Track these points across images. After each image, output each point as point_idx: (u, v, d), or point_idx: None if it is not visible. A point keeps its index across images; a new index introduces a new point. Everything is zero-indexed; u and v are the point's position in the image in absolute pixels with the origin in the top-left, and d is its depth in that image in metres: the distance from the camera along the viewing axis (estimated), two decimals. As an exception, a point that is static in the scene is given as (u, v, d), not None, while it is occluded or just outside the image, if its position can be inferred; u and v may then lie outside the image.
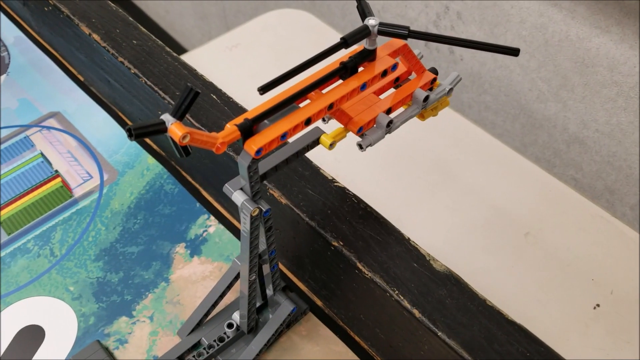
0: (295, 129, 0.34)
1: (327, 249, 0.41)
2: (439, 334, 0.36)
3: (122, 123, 0.61)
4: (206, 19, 1.42)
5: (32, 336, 0.46)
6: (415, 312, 0.37)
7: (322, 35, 0.83)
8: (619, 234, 0.61)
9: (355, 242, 0.40)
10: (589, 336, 0.54)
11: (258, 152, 0.33)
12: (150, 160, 0.58)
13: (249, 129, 0.33)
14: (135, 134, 0.29)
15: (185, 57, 0.81)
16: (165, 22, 1.62)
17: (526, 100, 0.90)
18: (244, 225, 0.37)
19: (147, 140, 0.59)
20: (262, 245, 0.39)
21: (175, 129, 0.30)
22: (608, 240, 0.61)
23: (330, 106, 0.35)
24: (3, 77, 0.66)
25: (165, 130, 0.31)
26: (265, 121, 0.34)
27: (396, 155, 0.68)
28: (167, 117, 0.31)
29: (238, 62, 0.79)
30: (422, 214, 0.62)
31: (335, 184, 0.43)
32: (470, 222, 0.62)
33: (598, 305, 0.56)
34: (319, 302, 0.48)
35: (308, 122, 0.35)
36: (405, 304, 0.37)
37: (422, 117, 0.43)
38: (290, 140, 0.36)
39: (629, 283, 0.57)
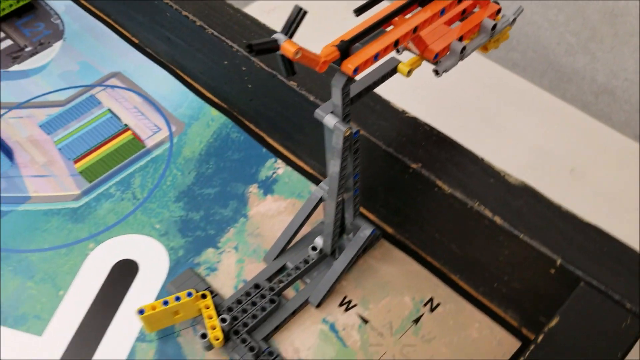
0: (385, 50, 0.37)
1: (404, 172, 0.44)
2: (521, 236, 0.39)
3: (181, 80, 0.64)
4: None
5: (127, 269, 0.50)
6: (497, 219, 0.40)
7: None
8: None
9: (433, 164, 0.44)
10: None
11: (355, 70, 0.36)
12: (214, 112, 0.61)
13: (346, 50, 0.36)
14: (256, 50, 0.33)
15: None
16: None
17: (554, 55, 0.92)
18: (336, 147, 0.40)
19: (208, 93, 0.62)
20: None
21: (288, 46, 0.33)
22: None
23: (414, 30, 0.38)
24: (60, 42, 0.69)
25: (277, 48, 0.34)
26: (357, 44, 0.37)
27: (439, 107, 0.71)
28: (279, 36, 0.34)
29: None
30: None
31: (407, 114, 0.47)
32: (516, 163, 0.65)
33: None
34: (389, 230, 0.51)
35: (396, 43, 0.38)
36: (487, 213, 0.40)
37: (485, 49, 0.46)
38: (369, 70, 0.39)
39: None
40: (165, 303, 0.44)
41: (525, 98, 0.75)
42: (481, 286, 0.46)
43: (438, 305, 0.47)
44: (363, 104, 0.48)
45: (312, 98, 0.48)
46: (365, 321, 0.47)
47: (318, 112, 0.40)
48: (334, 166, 0.41)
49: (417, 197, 0.45)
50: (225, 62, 0.55)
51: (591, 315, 0.36)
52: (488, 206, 0.41)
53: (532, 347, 0.35)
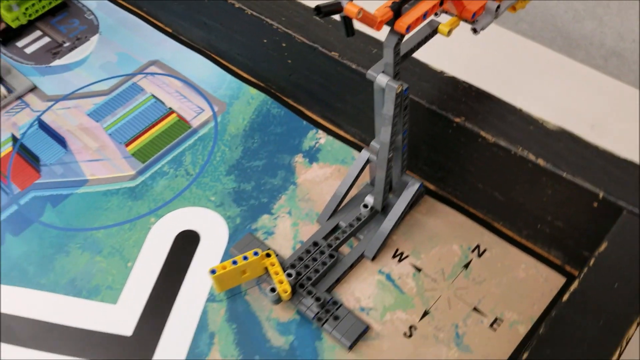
0: (433, 9, 0.41)
1: (448, 127, 0.48)
2: (564, 175, 0.43)
3: (218, 63, 0.67)
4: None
5: (189, 239, 0.53)
6: (540, 161, 0.43)
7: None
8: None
9: (475, 117, 0.47)
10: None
11: (407, 28, 0.40)
12: (252, 90, 0.64)
13: (398, 10, 0.39)
14: (324, 11, 0.36)
15: None
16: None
17: (562, 23, 0.95)
18: (388, 105, 0.43)
19: (245, 74, 0.65)
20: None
21: (351, 7, 0.37)
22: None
23: (456, -10, 0.42)
24: (96, 36, 0.72)
25: (341, 9, 0.37)
26: (405, 6, 0.41)
27: (464, 75, 0.74)
28: (341, -1, 0.37)
29: None
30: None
31: (445, 74, 0.50)
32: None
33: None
34: (432, 187, 0.54)
35: (441, 3, 0.41)
36: (530, 156, 0.44)
37: (513, 9, 0.50)
38: (413, 31, 0.42)
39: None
40: (234, 262, 0.48)
41: (539, 61, 0.78)
42: (524, 229, 0.50)
43: (485, 251, 0.51)
44: (403, 67, 0.51)
45: (354, 66, 0.51)
46: (418, 270, 0.50)
47: (370, 73, 0.43)
48: (385, 124, 0.45)
49: (460, 150, 0.49)
50: (265, 41, 0.58)
51: (636, 239, 0.39)
52: (531, 150, 0.44)
53: (585, 270, 0.39)
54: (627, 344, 0.36)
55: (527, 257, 0.50)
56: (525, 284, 0.49)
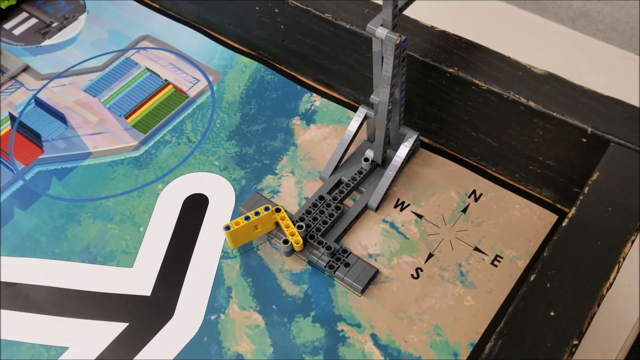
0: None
1: (442, 78, 0.50)
2: (554, 114, 0.46)
3: (208, 35, 0.68)
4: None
5: (197, 201, 0.55)
6: (532, 104, 0.46)
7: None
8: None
9: (467, 66, 0.50)
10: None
11: (405, -18, 0.42)
12: (245, 59, 0.66)
13: (395, -35, 0.42)
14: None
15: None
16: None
17: (531, -15, 0.98)
18: (388, 57, 0.46)
19: (236, 44, 0.67)
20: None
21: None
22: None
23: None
24: (84, 15, 0.73)
25: None
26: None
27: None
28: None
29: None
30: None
31: (436, 29, 0.52)
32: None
33: None
34: (426, 140, 0.57)
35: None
36: (522, 99, 0.47)
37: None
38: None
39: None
40: (247, 218, 0.50)
41: (512, 21, 0.81)
42: (517, 173, 0.53)
43: (481, 195, 0.54)
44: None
45: (348, 26, 0.53)
46: (419, 216, 0.53)
47: (369, 27, 0.46)
48: (385, 78, 0.47)
49: (454, 99, 0.51)
50: (257, 8, 0.60)
51: (625, 168, 0.43)
52: (522, 94, 0.47)
53: (581, 197, 0.42)
54: (624, 260, 0.39)
55: (520, 199, 0.53)
56: (520, 223, 0.52)
